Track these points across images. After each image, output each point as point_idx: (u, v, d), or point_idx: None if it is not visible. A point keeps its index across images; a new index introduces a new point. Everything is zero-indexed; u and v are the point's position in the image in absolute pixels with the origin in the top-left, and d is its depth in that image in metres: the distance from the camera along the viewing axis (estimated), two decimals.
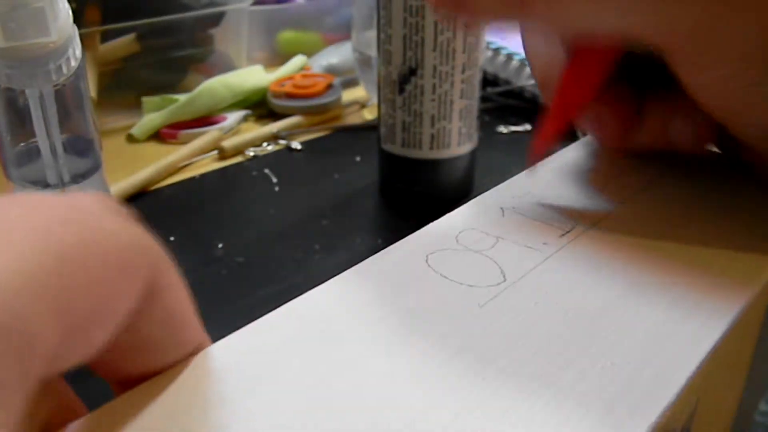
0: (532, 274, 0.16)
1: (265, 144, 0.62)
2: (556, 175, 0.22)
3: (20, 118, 0.30)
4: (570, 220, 0.19)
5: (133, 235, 0.12)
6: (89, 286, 0.10)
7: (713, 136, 0.21)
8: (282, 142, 0.62)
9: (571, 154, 0.24)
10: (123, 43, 0.64)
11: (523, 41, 0.22)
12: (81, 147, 0.34)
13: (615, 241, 0.18)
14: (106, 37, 0.63)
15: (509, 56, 0.67)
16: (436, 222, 0.19)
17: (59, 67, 0.29)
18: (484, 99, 0.48)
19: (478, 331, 0.14)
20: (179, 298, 0.13)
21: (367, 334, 0.14)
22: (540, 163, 0.22)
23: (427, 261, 0.17)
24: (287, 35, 0.83)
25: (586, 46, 0.20)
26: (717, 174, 0.22)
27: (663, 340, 0.14)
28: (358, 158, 0.59)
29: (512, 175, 0.23)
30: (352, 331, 0.14)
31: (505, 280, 0.16)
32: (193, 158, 0.59)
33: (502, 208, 0.20)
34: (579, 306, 0.15)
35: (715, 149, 0.23)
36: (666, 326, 0.15)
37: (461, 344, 0.14)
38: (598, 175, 0.22)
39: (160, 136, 0.63)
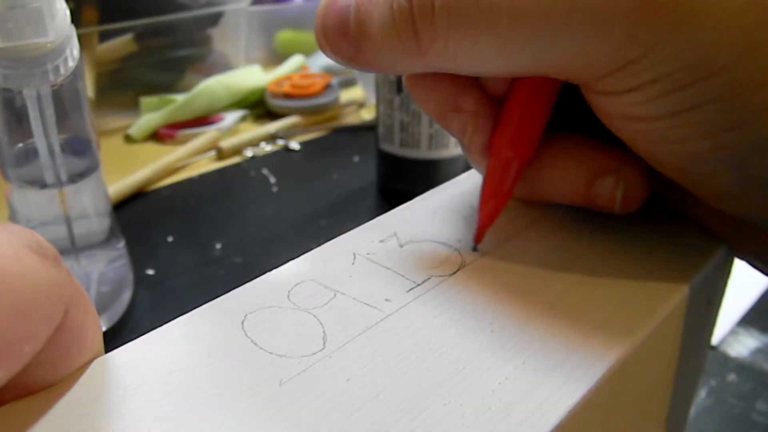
0: (358, 340, 0.14)
1: (263, 144, 0.62)
2: (430, 213, 0.20)
3: (18, 118, 0.30)
4: (427, 269, 0.17)
5: (46, 274, 0.12)
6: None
7: (648, 195, 0.18)
8: (280, 142, 0.62)
9: (456, 189, 0.21)
10: (121, 43, 0.64)
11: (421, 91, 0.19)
12: (79, 147, 0.34)
13: (473, 291, 0.16)
14: (103, 37, 0.63)
15: None
16: (275, 270, 0.17)
17: (57, 68, 0.29)
18: None
19: (264, 421, 0.12)
20: (84, 320, 0.13)
21: (130, 421, 0.12)
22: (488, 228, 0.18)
23: (243, 323, 0.15)
24: (285, 35, 0.83)
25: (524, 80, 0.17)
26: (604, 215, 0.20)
27: (513, 407, 0.13)
28: (356, 158, 0.59)
29: None
30: (115, 416, 0.12)
31: (323, 348, 0.14)
32: (191, 158, 0.58)
33: (354, 254, 0.17)
34: (397, 383, 0.13)
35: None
36: (517, 390, 0.13)
37: None
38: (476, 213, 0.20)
39: (158, 136, 0.63)
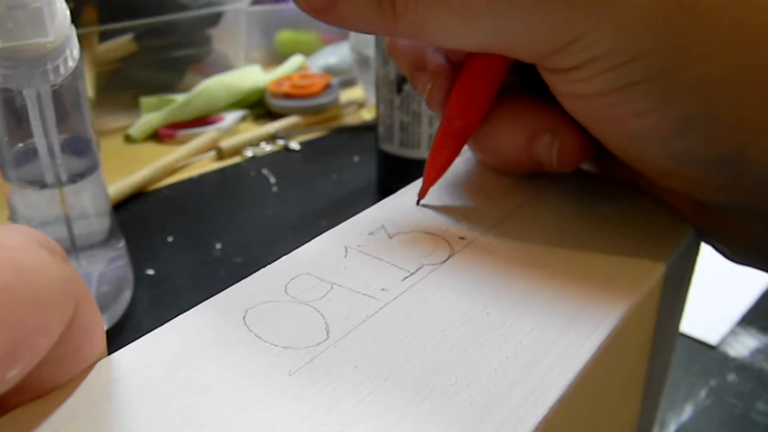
0: (360, 329, 0.15)
1: (263, 144, 0.62)
2: (414, 205, 0.20)
3: (18, 118, 0.30)
4: (418, 258, 0.17)
5: (57, 269, 0.12)
6: (12, 324, 0.11)
7: (584, 155, 0.20)
8: (280, 142, 0.62)
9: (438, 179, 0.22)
10: (121, 44, 0.64)
11: (396, 51, 0.21)
12: (79, 147, 0.34)
13: (465, 277, 0.17)
14: (103, 37, 0.63)
15: None
16: (270, 266, 0.17)
17: (57, 68, 0.29)
18: None
19: (278, 410, 0.12)
20: (91, 318, 0.13)
21: (141, 420, 0.12)
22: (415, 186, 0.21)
23: (244, 318, 0.15)
24: (285, 35, 0.83)
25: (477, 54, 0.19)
26: (593, 189, 0.21)
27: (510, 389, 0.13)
28: (356, 158, 0.59)
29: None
30: (124, 416, 0.12)
31: (327, 338, 0.14)
32: (191, 158, 0.58)
33: (346, 248, 0.18)
34: (403, 367, 0.14)
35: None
36: (518, 368, 0.14)
37: (254, 430, 0.12)
38: (466, 197, 0.21)
39: (158, 136, 0.63)
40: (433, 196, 0.21)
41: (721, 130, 0.16)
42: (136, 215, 0.50)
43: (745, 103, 0.16)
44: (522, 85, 0.21)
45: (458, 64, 0.20)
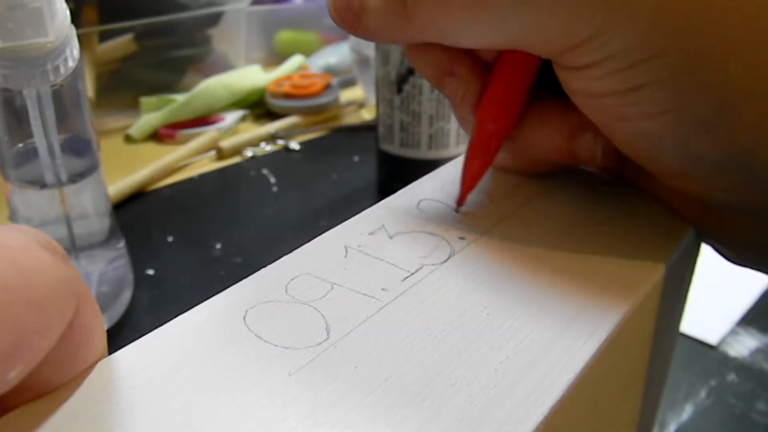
0: (360, 329, 0.15)
1: (263, 144, 0.62)
2: (415, 205, 0.20)
3: (18, 118, 0.30)
4: (419, 259, 0.17)
5: (58, 269, 0.12)
6: (12, 324, 0.11)
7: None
8: (280, 142, 0.62)
9: (437, 180, 0.22)
10: (121, 44, 0.64)
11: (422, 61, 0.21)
12: (79, 147, 0.34)
13: (465, 277, 0.17)
14: (103, 37, 0.63)
15: None
16: (270, 266, 0.17)
17: (57, 68, 0.29)
18: None
19: (277, 411, 0.12)
20: (91, 319, 0.13)
21: (141, 420, 0.12)
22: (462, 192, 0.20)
23: (244, 318, 0.15)
24: (285, 35, 0.83)
25: (509, 54, 0.19)
26: (593, 190, 0.21)
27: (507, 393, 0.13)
28: (356, 158, 0.59)
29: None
30: (124, 416, 0.12)
31: (327, 338, 0.14)
32: (191, 158, 0.59)
33: (346, 247, 0.18)
34: (403, 367, 0.14)
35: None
36: (518, 368, 0.14)
37: (254, 430, 0.12)
38: (467, 197, 0.21)
39: (158, 136, 0.63)
40: (436, 195, 0.21)
41: (734, 131, 0.16)
42: (136, 215, 0.50)
43: (758, 105, 0.15)
44: (548, 86, 0.21)
45: (487, 65, 0.20)
